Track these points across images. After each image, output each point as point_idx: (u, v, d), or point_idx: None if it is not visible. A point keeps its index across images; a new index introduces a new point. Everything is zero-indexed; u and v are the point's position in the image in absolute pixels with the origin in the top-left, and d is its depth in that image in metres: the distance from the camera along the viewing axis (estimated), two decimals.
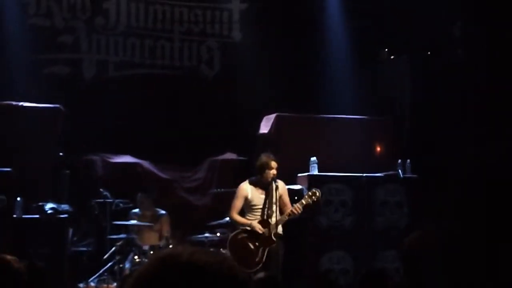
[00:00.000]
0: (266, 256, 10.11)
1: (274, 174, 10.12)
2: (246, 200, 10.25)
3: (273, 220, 10.16)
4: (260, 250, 10.13)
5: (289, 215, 10.10)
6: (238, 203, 10.30)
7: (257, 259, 10.09)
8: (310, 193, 10.22)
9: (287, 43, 13.90)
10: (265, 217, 10.18)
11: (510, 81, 12.06)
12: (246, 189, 10.28)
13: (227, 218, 10.72)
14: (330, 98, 13.41)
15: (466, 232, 11.41)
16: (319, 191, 10.26)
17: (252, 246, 10.16)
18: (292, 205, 10.16)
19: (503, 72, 12.14)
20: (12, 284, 2.87)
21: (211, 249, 2.00)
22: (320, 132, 12.50)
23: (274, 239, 10.11)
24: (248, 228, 10.21)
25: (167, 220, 11.70)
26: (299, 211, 10.09)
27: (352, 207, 11.75)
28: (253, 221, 10.18)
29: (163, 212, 11.74)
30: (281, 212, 10.21)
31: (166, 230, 11.53)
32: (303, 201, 10.15)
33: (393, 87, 13.70)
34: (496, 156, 11.84)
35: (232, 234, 10.36)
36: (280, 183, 10.34)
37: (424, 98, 13.00)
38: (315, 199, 10.22)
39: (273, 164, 10.14)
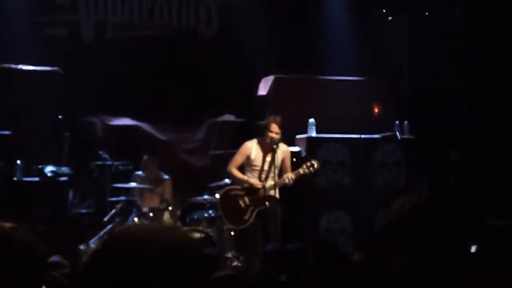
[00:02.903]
0: (263, 217, 10.20)
1: (272, 137, 10.14)
2: (248, 159, 10.32)
3: (268, 182, 10.22)
4: (250, 209, 10.23)
5: (284, 181, 10.17)
6: (238, 159, 10.37)
7: (245, 217, 10.21)
8: (308, 164, 10.25)
9: (285, 3, 13.82)
10: (261, 179, 10.25)
11: (508, 40, 12.05)
12: (251, 147, 10.33)
13: (227, 180, 10.79)
14: (329, 59, 13.37)
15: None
16: (317, 162, 10.31)
17: (242, 204, 10.26)
18: (286, 175, 10.23)
19: (502, 31, 12.13)
20: (11, 255, 2.89)
21: (168, 225, 2.03)
22: (319, 94, 12.52)
23: (266, 202, 10.18)
24: (246, 185, 10.28)
25: (170, 184, 11.76)
26: (291, 181, 10.16)
27: (350, 167, 11.82)
28: (251, 177, 10.26)
29: (166, 176, 11.77)
30: (281, 176, 10.28)
31: (167, 193, 11.59)
32: (300, 171, 10.22)
33: (392, 47, 13.67)
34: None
35: (225, 189, 10.45)
36: (283, 147, 10.38)
37: (423, 58, 12.99)
38: (312, 171, 10.28)
39: (273, 126, 10.16)
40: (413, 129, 12.01)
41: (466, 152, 12.53)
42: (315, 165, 10.26)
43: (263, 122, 10.35)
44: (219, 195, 10.48)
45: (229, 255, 10.42)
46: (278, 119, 10.21)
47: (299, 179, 10.34)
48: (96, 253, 1.90)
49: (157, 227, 1.95)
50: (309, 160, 10.35)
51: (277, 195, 10.28)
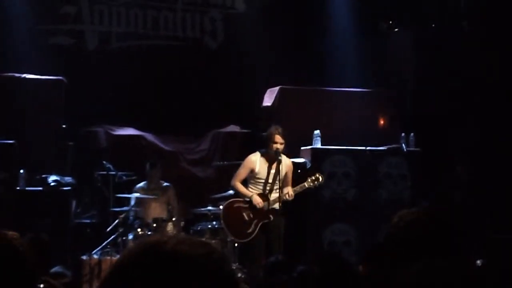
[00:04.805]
0: (266, 230, 10.13)
1: (277, 148, 10.06)
2: (252, 172, 10.23)
3: (272, 195, 10.14)
4: (254, 222, 10.14)
5: (285, 196, 10.09)
6: (242, 173, 10.29)
7: (249, 231, 10.12)
8: (313, 178, 10.21)
9: (291, 14, 13.82)
10: (266, 191, 10.17)
11: None
12: (255, 161, 10.24)
13: (231, 191, 10.72)
14: (334, 71, 13.36)
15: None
16: (322, 176, 10.27)
17: (246, 217, 10.18)
18: (286, 190, 10.14)
19: (507, 44, 12.11)
20: (14, 265, 2.84)
21: (201, 239, 1.91)
22: (324, 105, 12.48)
23: (270, 215, 10.11)
24: (247, 199, 10.21)
25: (173, 192, 11.72)
26: (291, 198, 10.09)
27: (355, 179, 11.76)
28: (254, 193, 10.17)
29: (167, 184, 11.75)
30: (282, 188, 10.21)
31: (172, 201, 11.55)
32: (306, 184, 10.18)
33: (397, 60, 13.64)
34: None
35: (228, 201, 10.37)
36: (286, 160, 10.28)
37: (428, 71, 12.96)
38: (317, 185, 10.24)
39: (277, 138, 10.07)
40: (418, 142, 11.95)
41: (472, 165, 12.48)
42: (320, 179, 10.21)
43: (265, 134, 10.29)
44: (223, 207, 10.40)
45: (233, 267, 10.34)
46: (280, 129, 10.14)
47: (303, 191, 10.29)
48: (121, 266, 1.80)
49: (186, 239, 1.84)
50: (314, 174, 10.28)
51: (277, 207, 10.18)
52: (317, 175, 10.23)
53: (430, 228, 3.36)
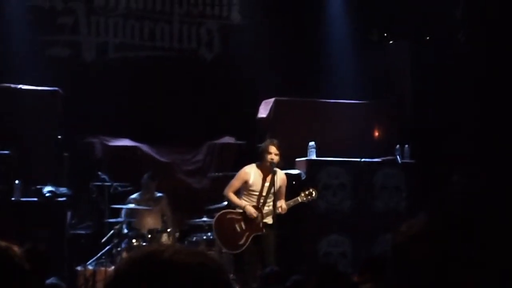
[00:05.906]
0: (257, 242, 10.13)
1: (272, 159, 10.06)
2: (246, 183, 10.24)
3: (265, 208, 10.15)
4: (246, 234, 10.15)
5: (278, 210, 10.08)
6: (236, 184, 10.30)
7: (240, 242, 10.13)
8: (306, 192, 10.22)
9: (286, 26, 13.83)
10: (259, 204, 10.17)
11: (510, 64, 12.04)
12: (249, 172, 10.25)
13: (226, 203, 10.73)
14: (330, 82, 13.37)
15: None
16: (316, 191, 10.28)
17: (238, 229, 10.18)
18: (279, 204, 10.14)
19: (504, 55, 12.12)
20: (11, 274, 2.84)
21: (197, 249, 1.93)
22: (319, 117, 12.49)
23: (262, 228, 10.11)
24: (240, 210, 10.21)
25: (166, 202, 11.74)
26: (285, 211, 10.08)
27: (350, 191, 11.78)
28: (248, 204, 10.18)
29: (160, 194, 11.77)
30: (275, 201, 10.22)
31: (166, 211, 11.58)
32: (299, 199, 10.20)
33: (393, 72, 13.65)
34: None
35: (220, 212, 10.38)
36: (281, 174, 10.29)
37: (424, 83, 12.97)
38: (310, 199, 10.26)
39: (272, 149, 10.09)
40: (414, 153, 11.97)
41: (469, 175, 12.48)
42: (314, 194, 10.23)
43: (261, 145, 10.31)
44: (215, 218, 10.41)
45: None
46: (275, 141, 10.16)
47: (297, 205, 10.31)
48: (119, 274, 1.82)
49: (183, 248, 1.87)
50: (308, 189, 10.29)
51: (269, 221, 10.18)
52: (311, 190, 10.25)
53: (437, 238, 3.37)
